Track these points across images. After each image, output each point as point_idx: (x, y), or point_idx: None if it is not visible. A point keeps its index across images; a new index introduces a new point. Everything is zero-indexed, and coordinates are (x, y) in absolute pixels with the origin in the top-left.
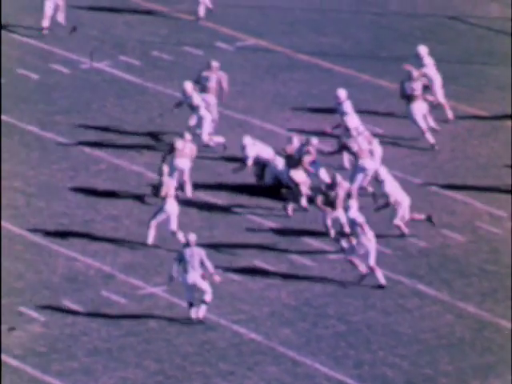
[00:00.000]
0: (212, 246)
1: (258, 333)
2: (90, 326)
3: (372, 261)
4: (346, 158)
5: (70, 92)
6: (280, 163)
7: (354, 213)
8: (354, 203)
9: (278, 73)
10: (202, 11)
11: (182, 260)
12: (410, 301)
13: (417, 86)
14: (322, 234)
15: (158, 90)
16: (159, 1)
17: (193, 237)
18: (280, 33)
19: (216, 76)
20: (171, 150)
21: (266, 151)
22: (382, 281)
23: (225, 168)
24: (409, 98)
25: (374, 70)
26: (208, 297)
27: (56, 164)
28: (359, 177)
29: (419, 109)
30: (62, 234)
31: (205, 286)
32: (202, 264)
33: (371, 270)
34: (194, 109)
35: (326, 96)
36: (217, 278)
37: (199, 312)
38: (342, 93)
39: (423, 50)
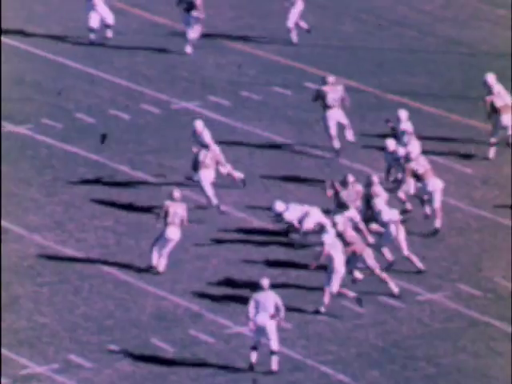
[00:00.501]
0: (300, 287)
1: (346, 374)
2: (179, 365)
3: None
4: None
5: (160, 132)
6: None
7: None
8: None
9: (367, 113)
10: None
11: (256, 303)
12: (502, 344)
13: None
14: (408, 274)
15: (247, 130)
16: (248, 41)
17: (266, 281)
18: (368, 73)
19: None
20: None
21: (313, 215)
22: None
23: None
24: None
25: (464, 110)
26: (275, 345)
27: (146, 203)
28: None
29: None
30: (151, 273)
31: (273, 332)
32: (277, 309)
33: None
34: None
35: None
36: (285, 325)
37: (272, 364)
38: (402, 113)
39: (491, 78)
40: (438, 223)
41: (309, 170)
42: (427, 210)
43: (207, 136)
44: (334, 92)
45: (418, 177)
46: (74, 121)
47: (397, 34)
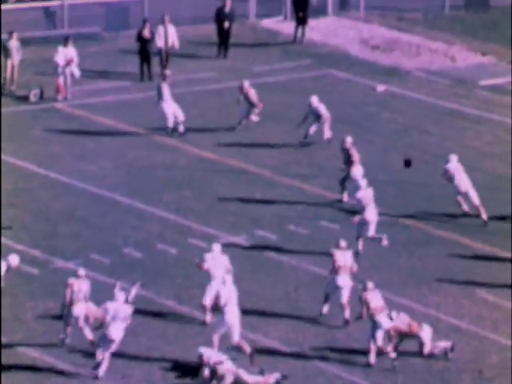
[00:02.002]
0: None
1: None
2: None
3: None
4: None
5: None
6: None
7: None
8: None
9: (415, 248)
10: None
11: None
12: None
13: None
14: None
15: (294, 265)
16: (295, 177)
17: None
18: (416, 208)
19: None
20: None
21: None
22: None
23: None
24: None
25: None
26: None
27: (192, 338)
28: None
29: None
30: None
31: None
32: None
33: None
34: None
35: (461, 271)
36: None
37: None
38: None
39: None
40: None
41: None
42: None
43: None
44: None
45: None
46: (123, 256)
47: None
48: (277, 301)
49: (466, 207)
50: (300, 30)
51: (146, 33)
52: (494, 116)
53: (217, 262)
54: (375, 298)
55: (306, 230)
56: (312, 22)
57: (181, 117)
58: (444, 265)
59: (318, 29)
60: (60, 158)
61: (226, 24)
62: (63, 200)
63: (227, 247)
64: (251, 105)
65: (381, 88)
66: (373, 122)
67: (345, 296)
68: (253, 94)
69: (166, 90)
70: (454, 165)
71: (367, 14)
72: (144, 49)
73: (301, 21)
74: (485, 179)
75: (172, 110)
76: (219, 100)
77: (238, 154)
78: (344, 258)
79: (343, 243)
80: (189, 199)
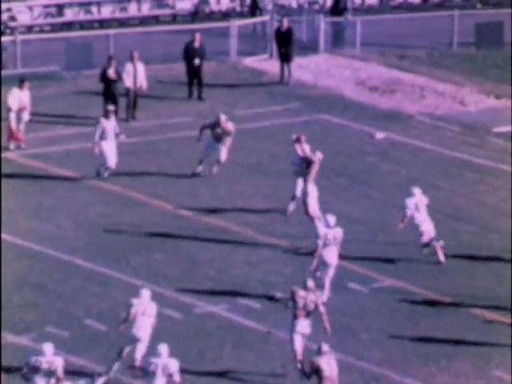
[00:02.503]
0: None
1: None
2: None
3: None
4: None
5: (182, 339)
6: None
7: None
8: None
9: (420, 319)
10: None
11: None
12: None
13: None
14: None
15: (281, 338)
16: (283, 237)
17: None
18: (421, 273)
19: None
20: None
21: None
22: None
23: None
24: None
25: None
26: None
27: None
28: None
29: None
30: None
31: None
32: None
33: None
34: None
35: (474, 348)
36: None
37: None
38: None
39: None
40: None
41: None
42: None
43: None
44: None
45: None
46: (83, 328)
47: (454, 230)
48: (261, 380)
49: (401, 226)
50: (286, 69)
51: (112, 72)
52: (510, 168)
53: (145, 308)
54: (330, 365)
55: None
56: (301, 60)
57: (112, 163)
58: (454, 339)
59: (309, 67)
60: (12, 216)
61: (197, 61)
62: (16, 265)
63: (204, 318)
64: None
65: (380, 135)
66: (371, 174)
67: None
68: (230, 126)
69: (109, 127)
70: (417, 199)
71: (364, 51)
72: (109, 90)
73: (284, 57)
74: (501, 242)
75: (111, 150)
76: (195, 148)
77: (218, 210)
78: (305, 300)
79: (311, 283)
80: (161, 263)
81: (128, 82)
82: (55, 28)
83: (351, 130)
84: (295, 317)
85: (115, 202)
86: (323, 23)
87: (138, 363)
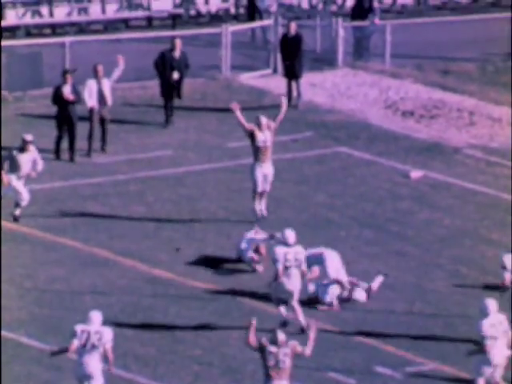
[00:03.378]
0: None
1: None
2: None
3: None
4: None
5: None
6: None
7: None
8: None
9: None
10: None
11: None
12: None
13: None
14: None
15: None
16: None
17: None
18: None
19: None
20: None
21: None
22: None
23: None
24: None
25: None
26: None
27: None
28: None
29: None
30: None
31: None
32: None
33: None
34: None
35: None
36: None
37: None
38: None
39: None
40: None
41: None
42: None
43: None
44: None
45: None
46: None
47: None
48: None
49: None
50: (294, 88)
51: (68, 91)
52: None
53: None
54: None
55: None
56: (314, 77)
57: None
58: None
59: (323, 86)
60: None
61: (175, 75)
62: None
63: None
64: None
65: (416, 174)
66: (405, 224)
67: None
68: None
69: (23, 161)
70: None
71: (396, 64)
72: (64, 114)
73: (291, 73)
74: None
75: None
76: (176, 191)
77: (204, 270)
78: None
79: (281, 336)
80: (132, 340)
81: (91, 101)
82: None
83: (379, 167)
84: (268, 379)
85: (73, 260)
86: (342, 29)
87: None
